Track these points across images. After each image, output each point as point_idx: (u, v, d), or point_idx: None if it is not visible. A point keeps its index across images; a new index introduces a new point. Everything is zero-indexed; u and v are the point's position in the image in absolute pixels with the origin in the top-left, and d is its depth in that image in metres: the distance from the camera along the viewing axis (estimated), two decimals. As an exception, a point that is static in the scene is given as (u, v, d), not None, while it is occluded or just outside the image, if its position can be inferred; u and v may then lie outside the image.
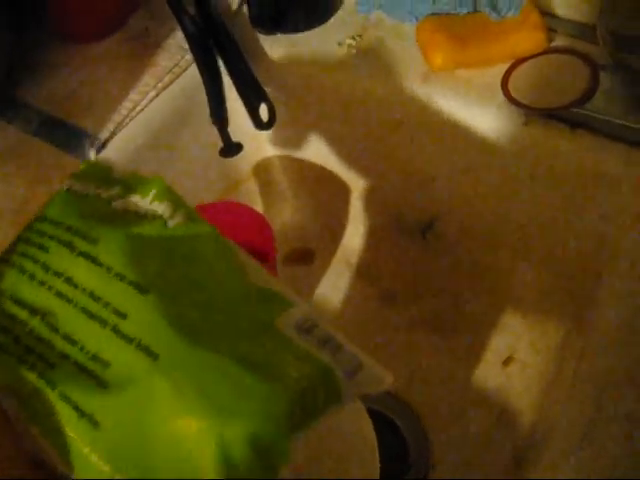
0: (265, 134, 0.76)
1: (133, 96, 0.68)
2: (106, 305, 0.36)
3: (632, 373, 0.49)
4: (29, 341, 0.36)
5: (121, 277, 0.36)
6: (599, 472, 0.46)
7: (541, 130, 0.60)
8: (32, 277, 0.38)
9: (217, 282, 0.38)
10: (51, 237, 0.39)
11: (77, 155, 0.64)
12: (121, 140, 0.65)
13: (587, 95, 0.60)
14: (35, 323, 0.37)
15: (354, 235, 0.82)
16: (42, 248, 0.39)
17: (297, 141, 0.77)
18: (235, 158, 0.72)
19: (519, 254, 0.72)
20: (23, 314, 0.37)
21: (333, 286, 0.80)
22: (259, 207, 0.82)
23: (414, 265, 0.78)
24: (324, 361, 0.35)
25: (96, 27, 0.73)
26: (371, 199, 0.79)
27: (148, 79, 0.69)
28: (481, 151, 0.65)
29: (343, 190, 0.79)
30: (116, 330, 0.35)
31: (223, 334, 0.35)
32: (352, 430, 0.46)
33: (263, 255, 0.63)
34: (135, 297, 0.36)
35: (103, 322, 0.35)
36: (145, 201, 0.42)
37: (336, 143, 0.75)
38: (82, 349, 0.35)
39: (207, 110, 0.67)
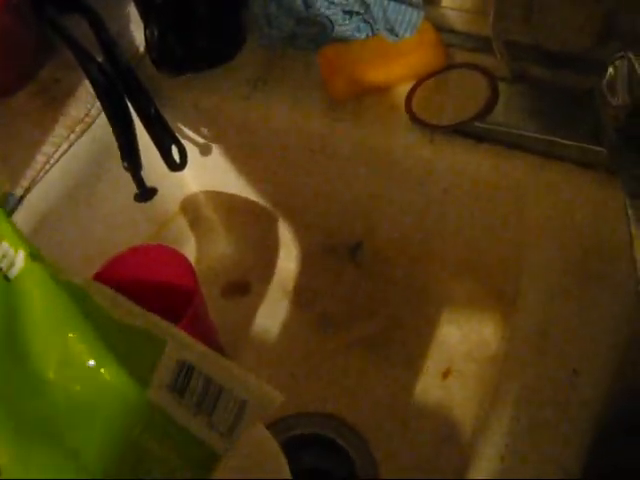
0: (187, 171, 0.77)
1: (46, 149, 0.68)
2: None
3: (549, 375, 0.50)
4: None
5: None
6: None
7: (447, 146, 0.61)
8: None
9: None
10: None
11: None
12: (37, 196, 0.65)
13: (488, 108, 0.61)
14: None
15: (287, 262, 0.82)
16: None
17: (220, 175, 0.78)
18: (160, 198, 0.72)
19: (448, 267, 0.73)
20: None
21: (270, 315, 0.80)
22: (190, 243, 0.83)
23: (347, 287, 0.79)
24: (199, 443, 0.35)
25: (4, 83, 0.73)
26: (299, 225, 0.79)
27: (60, 130, 0.69)
28: (393, 171, 0.66)
29: (271, 219, 0.80)
30: None
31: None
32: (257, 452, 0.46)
33: (188, 295, 0.63)
34: None
35: None
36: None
37: (257, 174, 0.76)
38: None
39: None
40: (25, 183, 0.65)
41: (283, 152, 0.70)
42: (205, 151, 0.74)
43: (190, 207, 0.81)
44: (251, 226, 0.82)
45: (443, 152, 0.61)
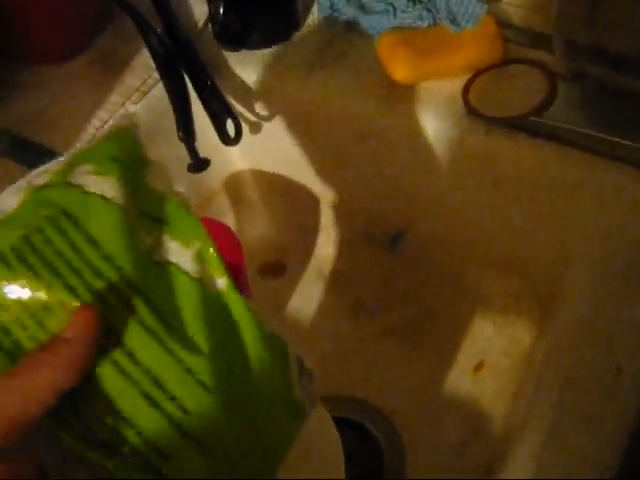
0: (235, 149, 0.77)
1: (101, 114, 0.69)
2: (171, 399, 0.33)
3: (593, 373, 0.50)
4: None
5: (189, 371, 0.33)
6: (564, 473, 0.47)
7: (502, 139, 0.62)
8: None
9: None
10: None
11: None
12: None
13: (545, 104, 0.62)
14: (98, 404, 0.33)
15: (325, 246, 0.83)
16: None
17: (267, 155, 0.78)
18: (205, 174, 0.72)
19: (487, 261, 0.73)
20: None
21: (305, 297, 0.80)
22: (231, 221, 0.83)
23: (384, 275, 0.79)
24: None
25: (64, 48, 0.74)
26: (341, 211, 0.80)
27: (116, 97, 0.70)
28: (445, 162, 0.66)
29: (313, 202, 0.80)
30: (179, 426, 0.32)
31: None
32: (316, 433, 0.47)
33: (234, 270, 0.64)
34: (201, 395, 0.33)
35: (167, 415, 0.32)
36: (184, 254, 0.36)
37: (305, 156, 0.76)
38: (141, 436, 0.32)
39: (175, 127, 0.68)
40: (79, 145, 0.66)
41: (334, 136, 0.71)
42: (255, 129, 0.75)
43: (234, 185, 0.82)
44: (293, 208, 0.82)
45: (497, 145, 0.62)
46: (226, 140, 0.67)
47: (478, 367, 0.73)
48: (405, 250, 0.78)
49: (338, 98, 0.67)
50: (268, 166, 0.80)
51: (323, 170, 0.77)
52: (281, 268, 0.83)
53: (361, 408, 0.72)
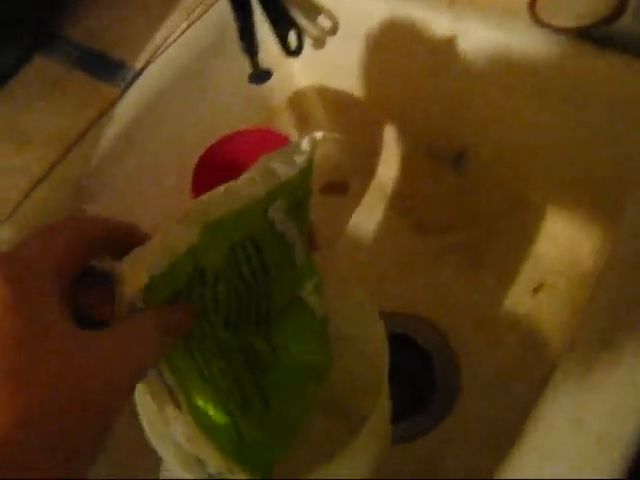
0: (299, 64, 0.77)
1: (166, 27, 0.69)
2: None
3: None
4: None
5: None
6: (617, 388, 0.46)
7: (570, 50, 0.59)
8: None
9: None
10: None
11: (114, 84, 0.66)
12: (155, 69, 0.67)
13: (617, 13, 0.59)
14: None
15: (388, 165, 0.82)
16: None
17: (331, 71, 0.78)
18: (269, 90, 0.73)
19: (551, 182, 0.72)
20: None
21: (366, 216, 0.81)
22: (294, 138, 0.83)
23: (446, 194, 0.78)
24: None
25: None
26: (405, 129, 0.79)
27: (180, 10, 0.71)
28: (511, 75, 0.65)
29: (378, 120, 0.80)
30: None
31: None
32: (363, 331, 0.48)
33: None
34: None
35: None
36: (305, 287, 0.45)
37: (371, 72, 0.75)
38: None
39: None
40: (144, 57, 0.67)
41: (399, 50, 0.70)
42: (319, 44, 0.74)
43: (297, 102, 0.82)
44: (357, 126, 0.82)
45: (566, 56, 0.60)
46: (288, 51, 0.67)
47: (537, 288, 0.72)
48: (468, 169, 0.76)
49: (401, 10, 0.66)
50: (332, 82, 0.79)
51: (388, 87, 0.76)
52: (344, 186, 0.83)
53: (418, 324, 0.73)
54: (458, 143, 0.75)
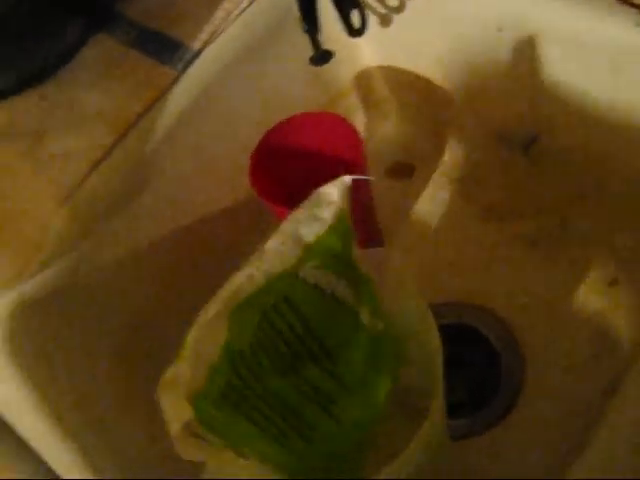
0: (365, 44, 0.75)
1: (226, 5, 0.68)
2: None
3: None
4: None
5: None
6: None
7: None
8: None
9: None
10: None
11: (171, 65, 0.65)
12: (214, 50, 0.66)
13: None
14: None
15: (456, 148, 0.79)
16: None
17: (398, 50, 0.75)
18: (334, 71, 0.71)
19: (627, 171, 0.67)
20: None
21: (433, 201, 0.78)
22: (360, 120, 0.81)
23: (516, 181, 0.75)
24: None
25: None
26: (474, 112, 0.75)
27: (240, -11, 0.69)
28: (591, 58, 0.61)
29: (446, 102, 0.77)
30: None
31: None
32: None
33: (352, 169, 0.63)
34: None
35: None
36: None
37: (438, 51, 0.72)
38: None
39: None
40: (203, 37, 0.66)
41: (469, 25, 0.66)
42: (385, 22, 0.71)
43: (363, 82, 0.80)
44: (424, 107, 0.79)
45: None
46: (351, 31, 0.65)
47: (612, 283, 0.68)
48: (540, 155, 0.73)
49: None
50: (399, 62, 0.76)
51: (457, 66, 0.72)
52: (410, 169, 0.80)
53: (483, 315, 0.70)
54: (530, 128, 0.72)
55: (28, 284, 0.56)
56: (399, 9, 0.70)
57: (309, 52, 0.66)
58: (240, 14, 0.67)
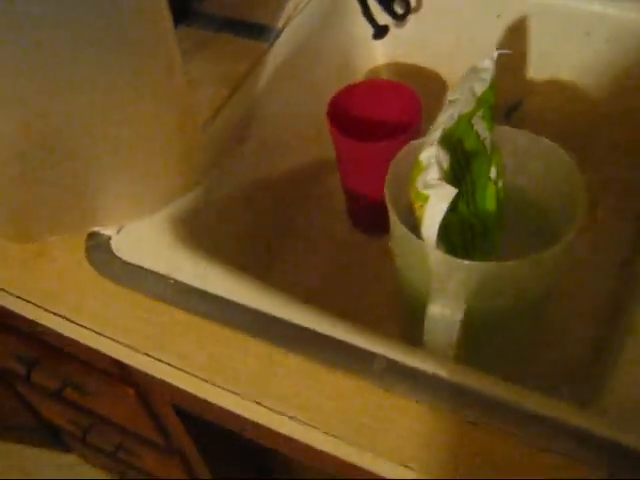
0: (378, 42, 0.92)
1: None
2: None
3: None
4: None
5: None
6: None
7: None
8: None
9: None
10: None
11: (262, 40, 0.81)
12: (292, 29, 0.83)
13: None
14: None
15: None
16: None
17: (407, 48, 0.93)
18: (349, 67, 0.88)
19: (607, 144, 0.84)
20: None
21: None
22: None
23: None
24: None
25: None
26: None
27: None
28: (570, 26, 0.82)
29: (441, 87, 0.95)
30: None
31: None
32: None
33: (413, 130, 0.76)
34: None
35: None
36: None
37: (437, 46, 0.91)
38: None
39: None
40: (284, 17, 0.83)
41: (471, 18, 0.87)
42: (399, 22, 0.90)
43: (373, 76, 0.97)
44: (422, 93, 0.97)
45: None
46: (395, 16, 0.84)
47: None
48: (520, 121, 0.92)
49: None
50: (408, 59, 0.94)
51: (456, 54, 0.90)
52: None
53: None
54: (512, 95, 0.91)
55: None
56: (414, 9, 0.89)
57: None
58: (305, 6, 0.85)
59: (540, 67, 0.88)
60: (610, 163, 0.86)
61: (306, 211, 0.87)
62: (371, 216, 0.83)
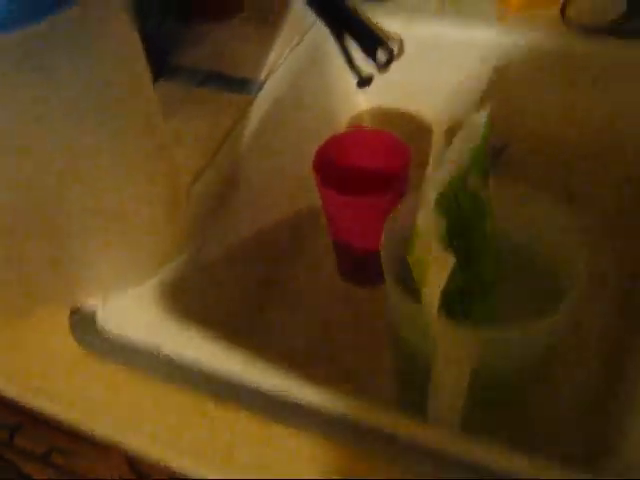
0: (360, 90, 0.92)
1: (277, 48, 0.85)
2: None
3: None
4: None
5: None
6: None
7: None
8: None
9: None
10: None
11: (244, 93, 0.79)
12: (271, 84, 0.82)
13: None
14: None
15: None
16: None
17: (390, 94, 0.93)
18: (331, 111, 0.87)
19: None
20: None
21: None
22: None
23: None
24: None
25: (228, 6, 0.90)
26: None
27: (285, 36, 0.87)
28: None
29: (427, 133, 0.94)
30: None
31: None
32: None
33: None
34: None
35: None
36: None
37: (421, 91, 0.91)
38: None
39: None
40: (266, 69, 0.82)
41: (454, 61, 0.87)
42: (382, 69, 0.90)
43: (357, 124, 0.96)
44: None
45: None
46: (379, 65, 0.83)
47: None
48: (505, 166, 0.91)
49: (457, 29, 0.85)
50: (392, 104, 0.94)
51: (440, 99, 0.91)
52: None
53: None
54: (498, 139, 0.91)
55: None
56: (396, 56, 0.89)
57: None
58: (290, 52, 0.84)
59: (525, 111, 0.87)
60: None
61: (295, 265, 0.85)
62: (359, 267, 0.81)
